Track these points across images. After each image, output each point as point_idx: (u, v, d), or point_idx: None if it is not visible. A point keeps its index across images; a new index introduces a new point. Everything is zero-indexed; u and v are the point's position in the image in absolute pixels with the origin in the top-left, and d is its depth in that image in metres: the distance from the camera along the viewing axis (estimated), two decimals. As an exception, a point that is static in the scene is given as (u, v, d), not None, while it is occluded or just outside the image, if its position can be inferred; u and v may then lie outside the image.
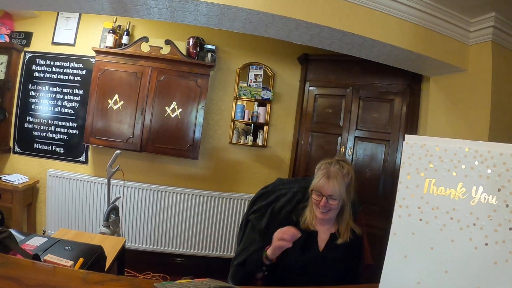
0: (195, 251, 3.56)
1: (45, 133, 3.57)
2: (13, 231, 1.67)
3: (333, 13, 2.13)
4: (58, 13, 3.60)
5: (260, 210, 1.71)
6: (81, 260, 1.30)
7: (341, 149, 3.17)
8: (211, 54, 3.43)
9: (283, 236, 1.30)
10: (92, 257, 1.43)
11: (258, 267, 1.40)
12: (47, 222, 3.57)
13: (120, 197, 2.94)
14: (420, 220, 0.77)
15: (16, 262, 0.80)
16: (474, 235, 0.71)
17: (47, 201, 3.55)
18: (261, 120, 3.56)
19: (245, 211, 1.83)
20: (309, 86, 3.43)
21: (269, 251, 1.35)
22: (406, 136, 0.84)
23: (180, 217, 3.54)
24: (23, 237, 1.58)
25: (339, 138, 3.20)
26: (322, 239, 1.50)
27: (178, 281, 0.85)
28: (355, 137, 3.13)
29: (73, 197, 3.49)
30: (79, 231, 2.45)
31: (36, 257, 1.00)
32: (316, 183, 1.44)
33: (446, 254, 0.74)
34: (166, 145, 3.32)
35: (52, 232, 3.48)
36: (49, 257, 1.18)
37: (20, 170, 3.61)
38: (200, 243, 3.57)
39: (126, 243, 2.21)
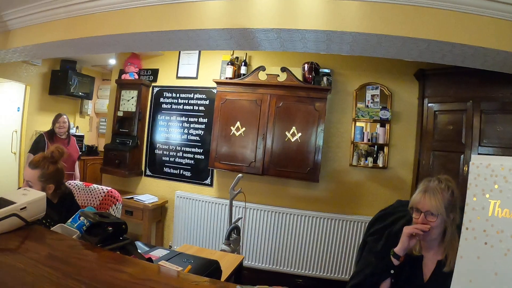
0: (313, 272, 3.68)
1: (173, 158, 4.14)
2: (140, 243, 2.02)
3: (439, 25, 2.10)
4: (179, 51, 4.19)
5: (377, 232, 1.73)
6: (189, 267, 1.51)
7: (464, 168, 3.05)
8: (327, 78, 3.60)
9: (414, 227, 1.36)
10: (207, 270, 1.62)
11: (385, 272, 1.42)
12: (173, 238, 4.08)
13: (241, 217, 3.28)
14: (485, 243, 0.76)
15: (131, 261, 1.02)
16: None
17: (174, 219, 4.07)
18: (380, 141, 3.60)
19: (363, 233, 1.88)
20: (428, 103, 3.39)
21: (397, 247, 1.39)
22: (472, 156, 0.84)
23: (299, 238, 3.71)
24: (147, 249, 1.90)
25: (462, 156, 3.09)
26: (429, 267, 1.45)
27: (258, 286, 0.96)
28: (479, 154, 3.01)
29: (198, 217, 3.95)
30: (201, 247, 2.72)
31: (150, 260, 1.22)
32: (413, 199, 1.45)
33: (510, 281, 0.72)
34: (287, 168, 3.56)
35: (175, 247, 3.94)
36: (162, 262, 1.44)
37: (151, 191, 4.23)
38: (318, 264, 3.68)
39: (244, 261, 2.43)
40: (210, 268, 1.65)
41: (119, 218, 1.16)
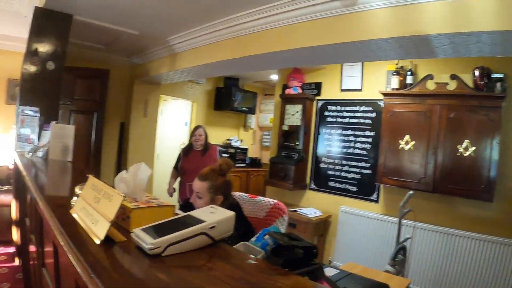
0: None
1: (338, 172, 4.95)
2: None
3: None
4: (342, 63, 4.94)
5: None
6: None
7: None
8: (500, 83, 3.76)
9: None
10: None
11: None
12: (334, 253, 4.80)
13: (410, 237, 3.65)
14: None
15: None
16: None
17: (337, 235, 4.80)
18: None
19: None
20: None
21: None
22: None
23: (470, 264, 3.91)
24: None
25: None
26: None
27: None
28: None
29: (361, 233, 4.57)
30: (366, 267, 3.00)
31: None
32: None
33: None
34: (458, 185, 3.87)
35: (338, 263, 4.59)
36: None
37: (315, 205, 5.10)
38: None
39: (410, 285, 2.68)
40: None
41: (310, 242, 1.31)
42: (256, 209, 2.60)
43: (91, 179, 1.31)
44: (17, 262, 4.12)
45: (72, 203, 1.39)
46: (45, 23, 3.97)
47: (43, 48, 3.95)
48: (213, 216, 1.13)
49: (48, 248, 1.64)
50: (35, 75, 3.93)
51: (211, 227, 1.08)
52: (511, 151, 3.91)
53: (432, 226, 4.18)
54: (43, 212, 1.41)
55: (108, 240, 1.02)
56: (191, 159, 4.62)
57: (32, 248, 2.52)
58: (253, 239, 1.48)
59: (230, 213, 1.17)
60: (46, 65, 3.94)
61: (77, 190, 1.42)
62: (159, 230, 1.01)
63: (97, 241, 1.02)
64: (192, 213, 1.18)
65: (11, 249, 4.45)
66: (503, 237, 3.81)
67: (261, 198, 2.64)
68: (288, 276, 1.03)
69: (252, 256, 1.19)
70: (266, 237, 1.38)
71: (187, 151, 4.73)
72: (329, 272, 2.16)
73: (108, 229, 1.01)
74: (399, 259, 3.23)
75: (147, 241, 0.96)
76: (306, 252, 1.30)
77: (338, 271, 2.28)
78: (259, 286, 0.93)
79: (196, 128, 4.72)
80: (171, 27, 4.53)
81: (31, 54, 3.89)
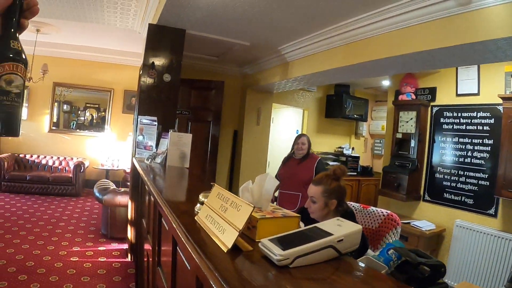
0: None
1: (454, 183, 4.78)
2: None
3: None
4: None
5: None
6: None
7: None
8: None
9: None
10: None
11: None
12: (447, 269, 5.05)
13: None
14: None
15: None
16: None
17: (450, 250, 4.65)
18: None
19: None
20: None
21: None
22: None
23: None
24: None
25: None
26: None
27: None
28: None
29: (477, 250, 4.41)
30: (480, 287, 2.94)
31: None
32: None
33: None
34: None
35: (450, 281, 4.49)
36: None
37: (428, 217, 4.98)
38: None
39: None
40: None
41: (438, 260, 1.34)
42: (368, 219, 2.70)
43: (217, 188, 1.39)
44: (129, 258, 4.67)
45: (196, 210, 1.52)
46: (159, 38, 4.50)
47: (159, 61, 4.45)
48: (340, 229, 1.16)
49: (166, 248, 1.82)
50: (152, 87, 4.45)
51: (339, 240, 1.10)
52: None
53: None
54: (167, 217, 1.56)
55: (235, 249, 1.10)
56: (288, 167, 4.67)
57: (147, 246, 2.81)
58: (376, 253, 1.50)
59: (357, 227, 1.18)
60: (163, 77, 4.44)
61: (201, 197, 1.53)
62: (286, 241, 1.06)
63: (225, 249, 1.10)
64: (319, 225, 1.21)
65: (125, 246, 5.05)
66: None
67: (374, 208, 2.72)
68: None
69: (376, 270, 1.21)
70: (391, 252, 1.43)
71: (287, 159, 4.77)
72: None
73: (236, 238, 1.09)
74: None
75: (276, 252, 1.01)
76: (433, 270, 1.34)
77: None
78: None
79: (300, 136, 4.71)
80: (282, 36, 4.80)
81: (148, 68, 4.41)
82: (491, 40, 2.73)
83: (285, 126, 8.37)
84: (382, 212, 2.65)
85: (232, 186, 6.56)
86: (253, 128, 6.98)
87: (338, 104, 7.85)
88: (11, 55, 0.84)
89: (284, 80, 5.54)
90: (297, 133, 7.97)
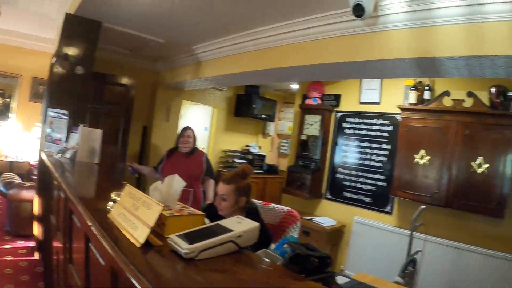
0: None
1: (354, 183, 5.06)
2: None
3: None
4: None
5: None
6: None
7: None
8: None
9: None
10: None
11: None
12: (346, 262, 4.91)
13: (420, 251, 3.75)
14: None
15: None
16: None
17: (349, 244, 4.91)
18: None
19: None
20: None
21: None
22: None
23: (479, 280, 3.98)
24: None
25: None
26: None
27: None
28: None
29: (374, 244, 4.67)
30: (376, 277, 2.98)
31: None
32: None
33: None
34: (470, 201, 3.95)
35: (349, 272, 4.61)
36: None
37: (329, 214, 5.21)
38: None
39: None
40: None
41: (325, 253, 1.47)
42: (270, 215, 2.72)
43: (129, 188, 1.43)
44: (36, 256, 4.30)
45: (108, 207, 1.52)
46: (75, 29, 4.19)
47: (73, 52, 4.16)
48: (240, 225, 1.25)
49: (78, 245, 1.76)
50: (64, 78, 4.13)
51: (238, 236, 1.19)
52: (525, 170, 3.90)
53: (443, 240, 4.26)
54: (80, 214, 1.53)
55: (147, 244, 1.15)
56: (175, 162, 4.26)
57: (57, 244, 2.66)
58: (273, 246, 1.60)
59: (255, 224, 1.28)
60: (75, 69, 4.14)
61: (113, 196, 1.55)
62: (192, 237, 1.14)
63: (138, 245, 1.15)
64: (221, 222, 1.29)
65: (31, 243, 4.64)
66: (513, 255, 3.83)
67: (274, 205, 2.77)
68: (304, 282, 1.16)
69: (272, 262, 1.29)
70: (285, 246, 1.51)
71: (171, 152, 4.38)
72: (340, 280, 2.25)
73: (147, 235, 1.15)
74: (409, 271, 3.31)
75: (183, 247, 1.08)
76: (321, 261, 1.45)
77: (349, 279, 2.38)
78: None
79: (186, 129, 4.37)
80: (196, 37, 4.71)
81: (61, 58, 4.10)
82: (391, 59, 2.91)
83: (194, 123, 8.05)
84: (282, 209, 2.72)
85: (140, 181, 6.13)
86: (163, 124, 6.77)
87: (248, 104, 7.87)
88: None
89: (195, 79, 5.47)
90: (205, 130, 7.94)
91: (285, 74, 4.24)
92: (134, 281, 0.91)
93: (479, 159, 4.01)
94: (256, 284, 1.06)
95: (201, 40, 4.83)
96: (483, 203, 3.96)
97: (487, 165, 3.97)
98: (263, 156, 8.11)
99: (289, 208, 2.70)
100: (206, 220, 1.44)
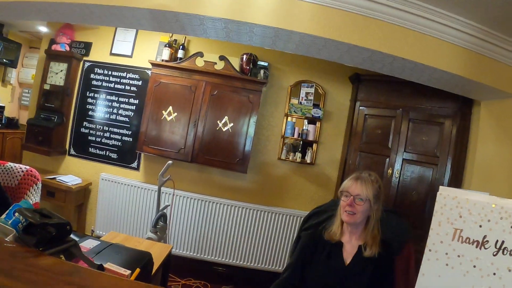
0: (238, 261, 4.32)
1: (100, 139, 4.56)
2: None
3: (385, 38, 2.55)
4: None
5: (311, 228, 2.17)
6: (137, 270, 1.70)
7: (389, 171, 3.71)
8: (264, 71, 4.17)
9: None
10: (141, 263, 1.91)
11: None
12: (96, 222, 4.49)
13: (169, 205, 3.68)
14: (447, 265, 1.00)
15: (84, 271, 1.05)
16: (493, 284, 0.92)
17: (98, 203, 4.49)
18: (310, 138, 4.25)
19: (298, 227, 2.29)
20: (360, 106, 4.02)
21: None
22: (440, 187, 1.07)
23: (225, 227, 4.31)
24: (77, 238, 1.96)
25: (387, 159, 3.74)
26: (349, 252, 1.81)
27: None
28: (403, 159, 3.66)
29: (123, 201, 4.39)
30: (128, 235, 2.85)
31: (101, 267, 1.34)
32: (344, 184, 1.83)
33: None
34: (216, 157, 4.09)
35: (100, 232, 4.39)
36: (108, 265, 1.54)
37: (74, 172, 4.62)
38: (243, 254, 4.32)
39: (172, 250, 2.68)
40: (143, 261, 1.95)
41: (62, 218, 1.25)
42: (7, 177, 2.25)
43: None
44: None
45: None
46: None
47: None
48: None
49: None
50: None
51: None
52: (264, 131, 4.43)
53: (191, 193, 4.37)
54: None
55: None
56: None
57: None
58: (3, 216, 1.27)
59: None
60: None
61: None
62: None
63: None
64: None
65: None
66: (255, 204, 4.37)
67: (11, 164, 2.28)
68: (41, 258, 0.98)
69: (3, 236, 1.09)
70: (17, 214, 1.24)
71: None
72: (90, 243, 2.00)
73: None
74: (160, 226, 3.24)
75: None
76: (59, 229, 1.22)
77: (99, 242, 2.08)
78: (12, 275, 0.82)
79: None
80: None
81: None
82: (128, 7, 2.55)
83: None
84: (21, 168, 2.27)
85: None
86: None
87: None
88: None
89: None
90: None
91: (28, 10, 3.18)
92: None
93: (225, 119, 4.12)
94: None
95: None
96: (228, 158, 4.15)
97: (232, 124, 4.11)
98: (2, 107, 6.67)
99: (28, 167, 2.27)
100: None
